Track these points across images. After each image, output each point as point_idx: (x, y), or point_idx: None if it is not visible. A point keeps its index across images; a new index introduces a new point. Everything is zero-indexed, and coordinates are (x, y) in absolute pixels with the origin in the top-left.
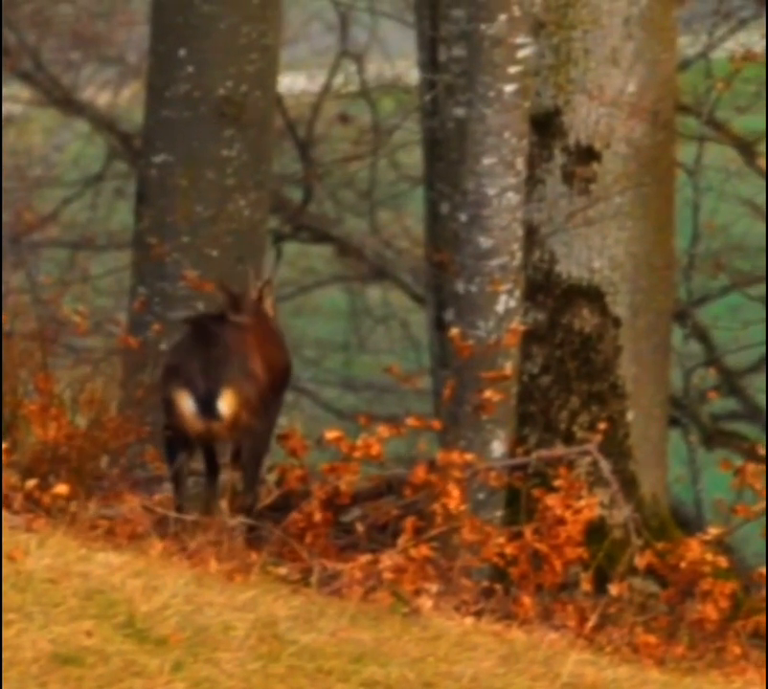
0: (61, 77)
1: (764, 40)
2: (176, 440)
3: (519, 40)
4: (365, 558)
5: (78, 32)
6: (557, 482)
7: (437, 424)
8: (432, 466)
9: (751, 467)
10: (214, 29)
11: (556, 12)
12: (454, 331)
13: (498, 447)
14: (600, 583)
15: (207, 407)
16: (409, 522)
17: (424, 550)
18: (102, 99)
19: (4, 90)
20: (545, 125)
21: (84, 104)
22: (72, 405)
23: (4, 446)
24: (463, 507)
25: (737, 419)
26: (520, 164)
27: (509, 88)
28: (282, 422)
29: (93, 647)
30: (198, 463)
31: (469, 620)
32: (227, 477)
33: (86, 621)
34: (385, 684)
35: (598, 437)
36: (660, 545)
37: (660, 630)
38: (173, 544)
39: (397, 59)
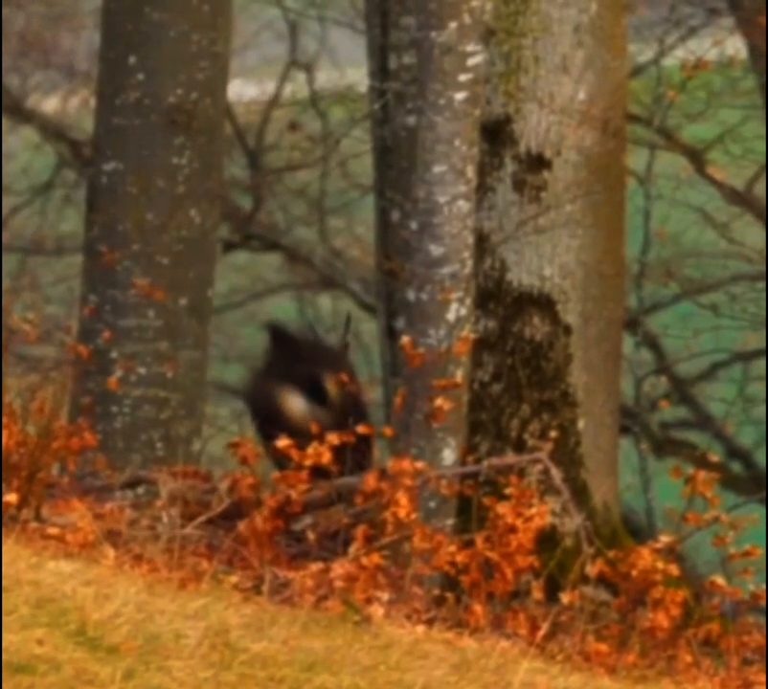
0: (9, 83)
1: (714, 48)
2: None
3: (469, 48)
4: (316, 566)
5: (26, 38)
6: (508, 490)
7: (388, 431)
8: (383, 474)
9: (702, 475)
10: (164, 36)
11: (507, 20)
12: (405, 339)
13: (449, 455)
14: (552, 591)
15: (314, 394)
16: (360, 531)
17: (375, 559)
18: (50, 106)
19: None
20: (495, 133)
21: (33, 112)
22: (22, 413)
23: None
24: (413, 515)
25: (688, 427)
26: (470, 172)
27: (460, 96)
28: (234, 430)
29: (44, 655)
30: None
31: (421, 628)
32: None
33: (38, 629)
34: None
35: (549, 445)
36: (611, 554)
37: (611, 638)
38: (125, 553)
39: (348, 68)
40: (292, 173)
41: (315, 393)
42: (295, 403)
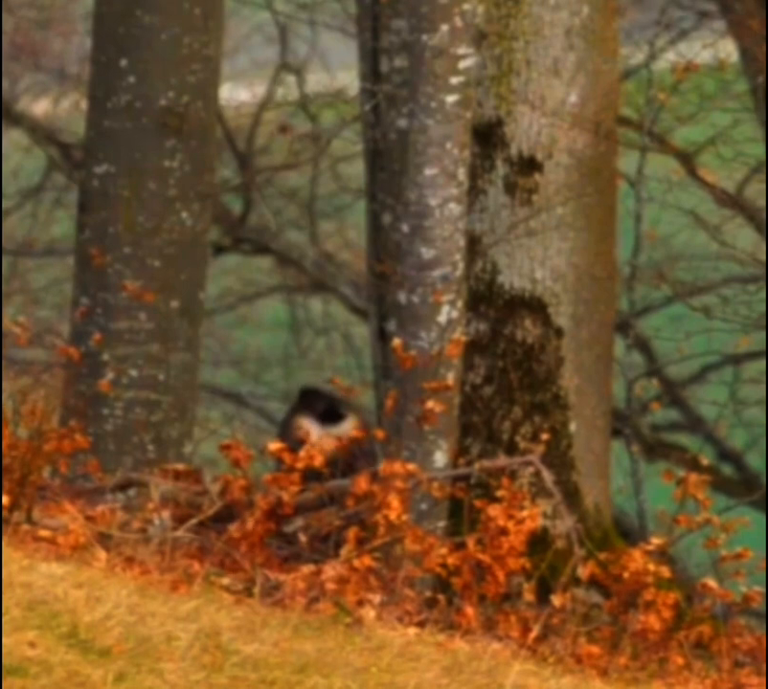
0: None
1: (705, 51)
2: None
3: (461, 51)
4: (308, 568)
5: (16, 41)
6: (500, 493)
7: (379, 434)
8: (374, 476)
9: (693, 477)
10: (155, 39)
11: (498, 23)
12: (396, 342)
13: (440, 457)
14: (543, 593)
15: (329, 418)
16: (351, 533)
17: (367, 561)
18: (40, 109)
19: None
20: (487, 136)
21: (22, 114)
22: (14, 416)
23: None
24: (405, 518)
25: (679, 430)
26: (462, 174)
27: (451, 99)
28: (226, 432)
29: (36, 658)
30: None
31: (412, 631)
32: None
33: (29, 632)
34: None
35: (541, 448)
36: (603, 556)
37: (603, 640)
38: (116, 555)
39: (339, 71)
40: (283, 176)
41: (327, 417)
42: (305, 423)
